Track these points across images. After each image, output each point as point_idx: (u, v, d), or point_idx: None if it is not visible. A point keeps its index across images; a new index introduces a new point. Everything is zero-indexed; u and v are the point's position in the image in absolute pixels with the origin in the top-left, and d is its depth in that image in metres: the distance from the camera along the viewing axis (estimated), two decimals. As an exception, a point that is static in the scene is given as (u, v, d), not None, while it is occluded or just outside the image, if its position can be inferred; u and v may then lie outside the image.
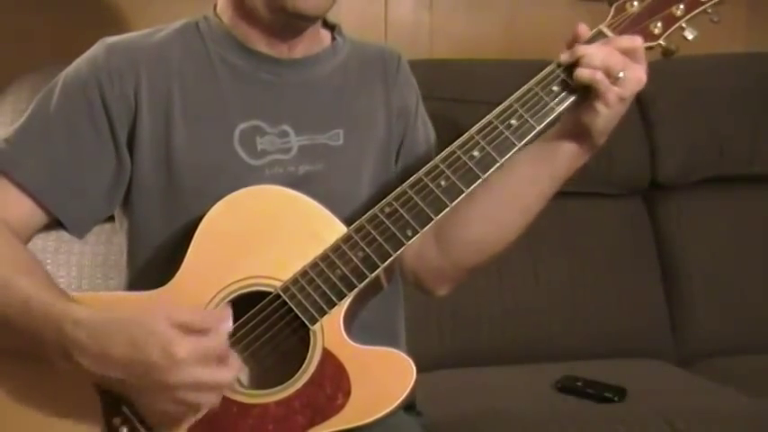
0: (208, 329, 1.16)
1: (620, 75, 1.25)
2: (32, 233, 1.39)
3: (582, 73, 1.25)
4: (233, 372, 1.18)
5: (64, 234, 1.41)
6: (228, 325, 1.19)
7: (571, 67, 1.27)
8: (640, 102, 2.32)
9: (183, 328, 1.15)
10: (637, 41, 1.27)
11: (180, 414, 1.20)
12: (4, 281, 1.25)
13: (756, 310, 2.28)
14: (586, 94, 1.28)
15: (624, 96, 1.27)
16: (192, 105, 1.39)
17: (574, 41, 1.29)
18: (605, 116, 1.28)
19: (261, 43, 1.42)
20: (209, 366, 1.15)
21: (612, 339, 2.23)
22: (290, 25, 1.39)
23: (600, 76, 1.25)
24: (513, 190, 1.39)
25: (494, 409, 1.80)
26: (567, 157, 1.35)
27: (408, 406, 1.53)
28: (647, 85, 2.34)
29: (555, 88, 1.29)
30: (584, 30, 1.30)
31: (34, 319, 1.22)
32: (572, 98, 1.29)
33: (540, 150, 1.35)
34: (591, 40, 1.29)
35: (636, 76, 1.26)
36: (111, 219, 1.48)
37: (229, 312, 1.21)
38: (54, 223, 1.39)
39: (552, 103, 1.28)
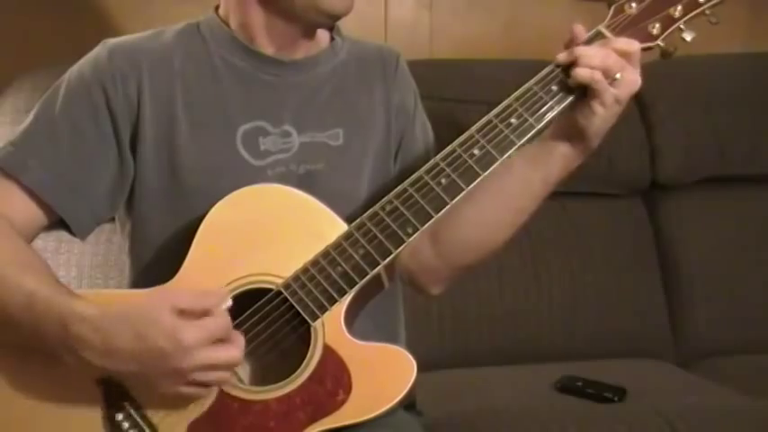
0: (208, 310, 1.18)
1: (618, 76, 1.26)
2: (35, 233, 1.40)
3: (581, 72, 1.26)
4: (239, 348, 1.21)
5: (64, 234, 1.42)
6: (228, 303, 1.21)
7: (570, 67, 1.28)
8: (640, 102, 2.33)
9: (184, 314, 1.17)
10: (634, 45, 1.28)
11: (193, 393, 1.23)
12: (8, 278, 1.26)
13: (756, 310, 2.28)
14: (584, 94, 1.28)
15: (620, 98, 1.27)
16: (194, 106, 1.40)
17: (571, 42, 1.30)
18: (601, 117, 1.28)
19: (266, 45, 1.42)
20: (217, 346, 1.18)
21: (612, 339, 2.23)
22: (314, 24, 1.41)
23: (598, 76, 1.25)
24: (507, 192, 1.39)
25: (494, 409, 1.80)
26: (560, 159, 1.35)
27: (409, 405, 1.53)
28: (647, 86, 2.34)
29: (554, 87, 1.29)
30: (581, 30, 1.30)
31: (38, 315, 1.23)
32: (570, 97, 1.29)
33: (534, 153, 1.35)
34: (589, 41, 1.29)
35: (632, 78, 1.27)
36: (110, 219, 1.48)
37: (227, 291, 1.24)
38: (55, 224, 1.40)
39: (551, 102, 1.29)
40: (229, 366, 1.21)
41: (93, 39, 1.44)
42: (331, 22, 1.43)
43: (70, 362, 1.22)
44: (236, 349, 1.20)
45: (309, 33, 1.43)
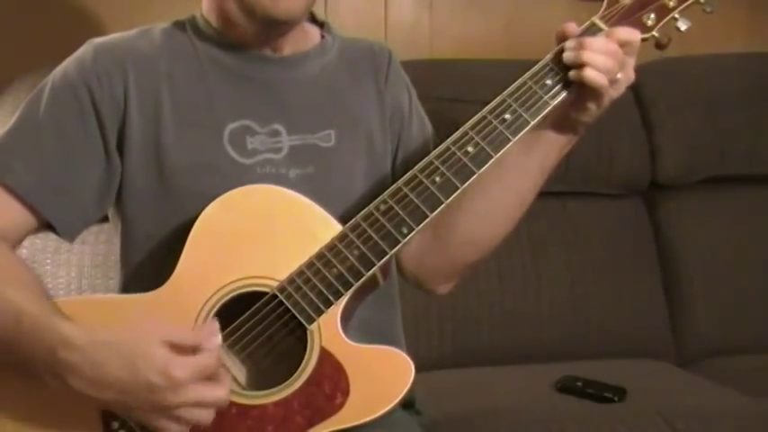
0: (199, 346, 1.16)
1: (618, 76, 1.26)
2: (23, 236, 1.38)
3: (591, 75, 1.25)
4: (227, 387, 1.18)
5: (64, 235, 1.41)
6: (218, 339, 1.19)
7: (563, 61, 1.28)
8: (640, 102, 2.32)
9: (175, 348, 1.15)
10: (635, 35, 1.27)
11: (177, 430, 1.19)
12: None
13: (756, 311, 2.28)
14: (580, 88, 1.28)
15: (615, 96, 1.28)
16: (181, 106, 1.39)
17: (564, 37, 1.29)
18: (594, 113, 1.30)
19: (249, 43, 1.41)
20: (206, 385, 1.16)
21: (612, 339, 2.23)
22: (267, 29, 1.38)
23: (605, 80, 1.25)
24: (505, 184, 1.39)
25: (494, 409, 1.80)
26: (553, 147, 1.37)
27: (408, 404, 1.53)
28: (646, 85, 2.34)
29: (548, 82, 1.29)
30: (574, 28, 1.30)
31: (26, 336, 1.20)
32: (566, 92, 1.29)
33: (528, 142, 1.35)
34: (584, 33, 1.29)
35: (627, 75, 1.28)
36: (100, 220, 1.48)
37: (217, 326, 1.21)
38: (44, 226, 1.38)
39: (546, 97, 1.28)
40: (216, 405, 1.18)
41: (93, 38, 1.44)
42: (276, 27, 1.38)
43: (55, 386, 1.19)
44: (222, 390, 1.17)
45: (276, 35, 1.40)
